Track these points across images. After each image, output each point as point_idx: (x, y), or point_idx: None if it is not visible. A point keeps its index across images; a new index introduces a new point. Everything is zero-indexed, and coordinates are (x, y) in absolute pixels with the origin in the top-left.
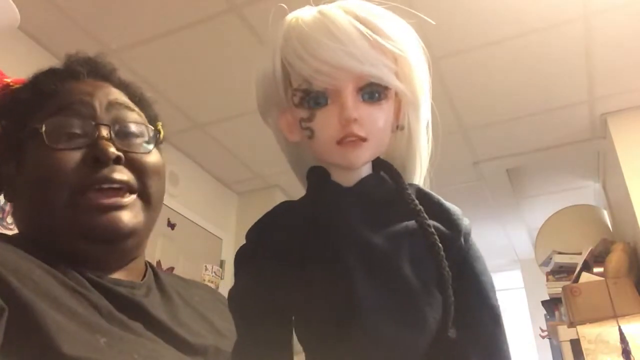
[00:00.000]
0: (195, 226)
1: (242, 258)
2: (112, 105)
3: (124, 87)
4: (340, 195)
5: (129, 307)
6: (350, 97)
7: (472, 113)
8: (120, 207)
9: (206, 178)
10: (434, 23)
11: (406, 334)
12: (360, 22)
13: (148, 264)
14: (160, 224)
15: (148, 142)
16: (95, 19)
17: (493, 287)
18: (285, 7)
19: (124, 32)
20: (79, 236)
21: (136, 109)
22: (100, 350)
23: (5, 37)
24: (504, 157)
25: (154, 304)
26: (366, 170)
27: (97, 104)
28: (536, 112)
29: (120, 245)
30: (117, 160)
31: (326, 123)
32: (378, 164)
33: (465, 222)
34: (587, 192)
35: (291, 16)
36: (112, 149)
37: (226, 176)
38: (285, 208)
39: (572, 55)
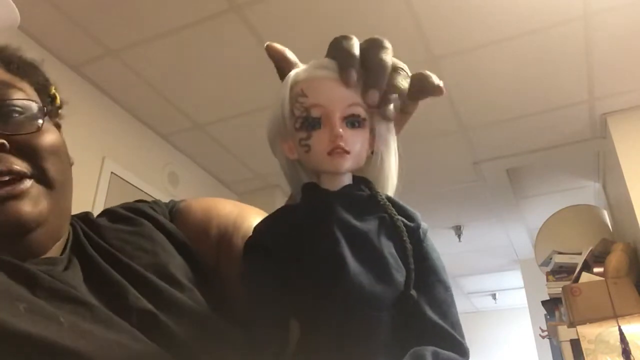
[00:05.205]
0: None
1: (251, 247)
2: None
3: None
4: (328, 195)
5: (46, 285)
6: (337, 121)
7: (472, 113)
8: (16, 196)
9: (206, 178)
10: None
11: (379, 288)
12: None
13: (71, 229)
14: None
15: (35, 118)
16: (95, 19)
17: (444, 269)
18: None
19: (124, 32)
20: None
21: (15, 80)
22: (19, 314)
23: (5, 37)
24: (504, 157)
25: (74, 277)
26: (347, 180)
27: None
28: (536, 112)
29: (31, 237)
30: (0, 149)
31: (320, 140)
32: (356, 179)
33: (424, 223)
34: (587, 192)
35: (294, 72)
36: None
37: (226, 176)
38: (285, 208)
39: (572, 55)
